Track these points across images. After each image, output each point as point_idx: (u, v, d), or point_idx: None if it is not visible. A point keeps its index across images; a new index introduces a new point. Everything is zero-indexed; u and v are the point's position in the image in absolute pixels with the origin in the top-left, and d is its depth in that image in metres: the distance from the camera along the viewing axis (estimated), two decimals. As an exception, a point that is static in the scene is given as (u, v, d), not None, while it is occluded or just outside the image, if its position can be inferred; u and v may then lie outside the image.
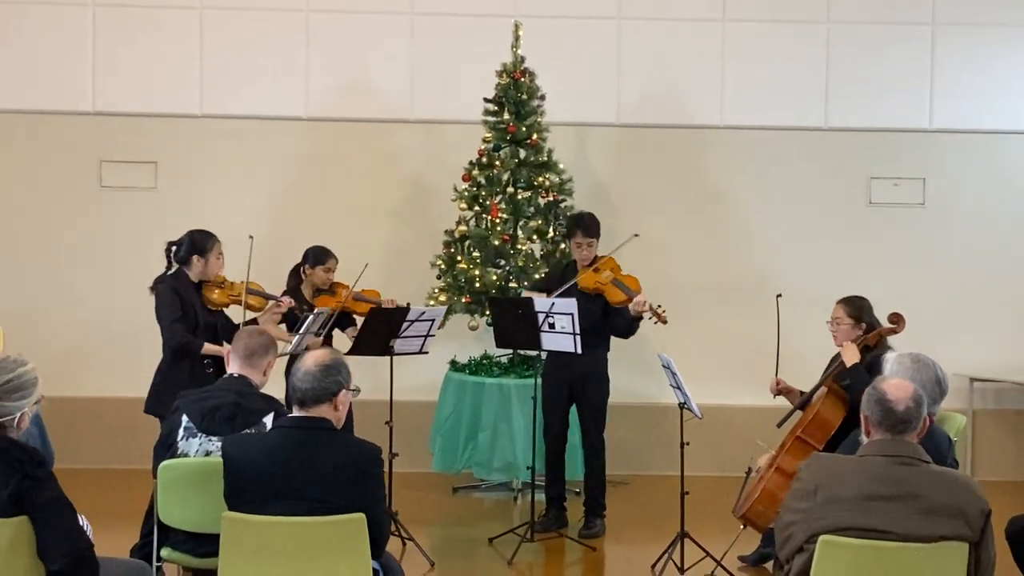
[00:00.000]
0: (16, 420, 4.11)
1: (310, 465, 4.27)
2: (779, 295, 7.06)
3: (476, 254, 8.93)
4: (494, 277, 8.87)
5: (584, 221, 7.92)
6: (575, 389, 7.85)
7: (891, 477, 4.03)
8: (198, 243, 7.16)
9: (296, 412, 4.40)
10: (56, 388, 9.24)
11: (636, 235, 8.15)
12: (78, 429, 9.43)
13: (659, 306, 7.43)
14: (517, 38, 9.07)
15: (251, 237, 7.40)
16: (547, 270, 8.69)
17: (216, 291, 7.21)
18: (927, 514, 3.99)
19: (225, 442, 4.52)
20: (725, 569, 6.79)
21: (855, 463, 4.12)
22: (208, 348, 7.00)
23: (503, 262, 8.97)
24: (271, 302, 7.46)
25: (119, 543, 6.02)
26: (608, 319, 7.75)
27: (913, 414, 4.17)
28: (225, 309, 7.35)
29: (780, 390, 7.01)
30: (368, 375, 8.29)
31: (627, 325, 7.69)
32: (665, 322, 7.43)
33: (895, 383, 4.25)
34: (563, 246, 8.78)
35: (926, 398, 4.89)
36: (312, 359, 4.43)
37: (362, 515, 4.24)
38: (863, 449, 4.17)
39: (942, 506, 4.00)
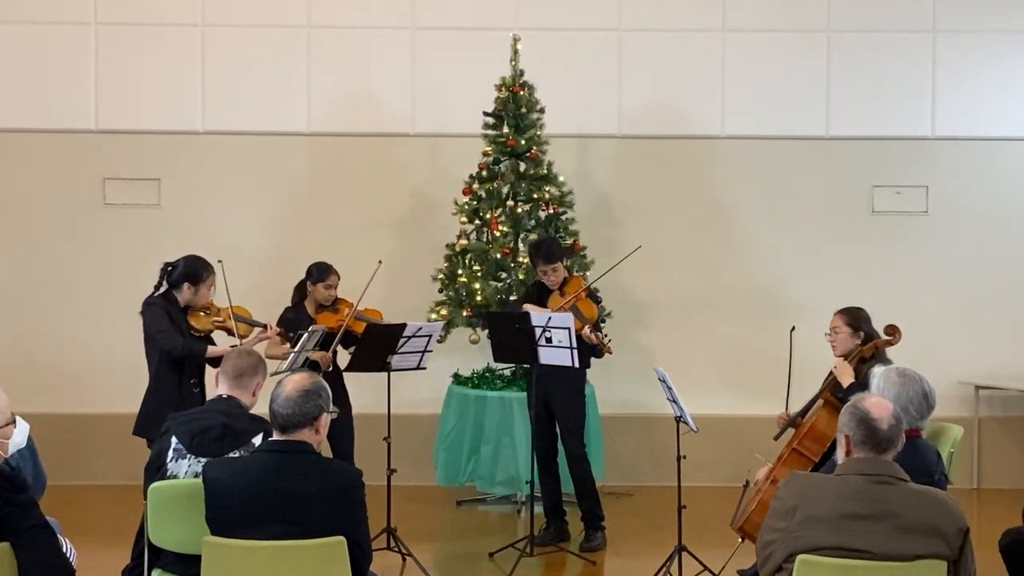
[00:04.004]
0: None
1: (291, 489, 4.26)
2: (793, 328, 6.98)
3: (477, 268, 8.94)
4: (495, 291, 8.88)
5: (542, 248, 7.84)
6: (550, 404, 7.85)
7: (868, 496, 4.03)
8: (191, 271, 7.07)
9: (277, 436, 4.40)
10: (60, 404, 9.41)
11: (639, 247, 8.20)
12: (83, 445, 9.48)
13: (605, 336, 7.52)
14: (516, 52, 9.08)
15: (220, 264, 7.20)
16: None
17: (200, 316, 7.11)
18: (904, 533, 3.98)
19: (206, 466, 4.51)
20: (723, 583, 6.80)
21: (833, 482, 4.12)
22: (213, 350, 6.96)
23: (504, 275, 8.97)
24: (256, 329, 7.39)
25: (120, 560, 6.09)
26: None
27: (895, 432, 4.18)
28: (212, 335, 7.26)
29: (785, 426, 6.95)
30: (371, 389, 8.37)
31: (589, 350, 7.62)
32: (611, 352, 7.56)
33: (875, 402, 4.24)
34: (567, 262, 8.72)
35: (913, 412, 4.94)
36: (292, 384, 4.39)
37: (342, 539, 4.23)
38: (841, 468, 4.17)
39: (919, 524, 3.99)
